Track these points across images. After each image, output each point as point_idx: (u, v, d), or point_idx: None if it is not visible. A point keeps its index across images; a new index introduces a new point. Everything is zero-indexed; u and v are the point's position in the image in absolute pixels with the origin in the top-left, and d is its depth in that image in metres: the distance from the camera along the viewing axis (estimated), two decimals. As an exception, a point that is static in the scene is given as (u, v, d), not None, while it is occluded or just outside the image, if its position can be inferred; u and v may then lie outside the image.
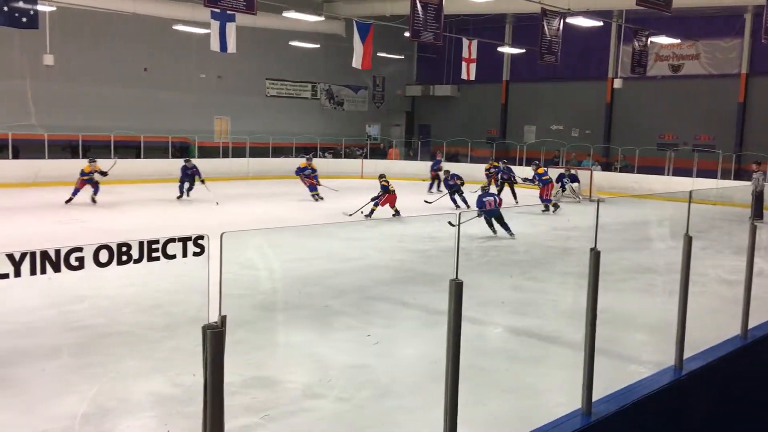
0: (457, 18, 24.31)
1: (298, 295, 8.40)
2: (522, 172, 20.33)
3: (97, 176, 16.24)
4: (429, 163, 24.00)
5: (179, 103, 25.11)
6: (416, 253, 11.20)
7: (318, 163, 20.12)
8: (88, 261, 2.18)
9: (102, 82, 23.16)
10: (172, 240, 2.32)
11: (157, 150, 24.14)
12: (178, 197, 17.72)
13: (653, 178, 22.22)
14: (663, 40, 22.14)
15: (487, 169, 21.16)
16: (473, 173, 21.91)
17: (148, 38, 23.95)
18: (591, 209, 4.09)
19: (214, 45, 17.87)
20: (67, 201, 15.88)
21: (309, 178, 17.92)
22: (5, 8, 15.29)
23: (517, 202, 18.85)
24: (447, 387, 3.20)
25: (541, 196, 17.41)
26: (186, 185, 17.91)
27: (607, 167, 25.28)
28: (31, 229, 12.67)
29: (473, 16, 25.19)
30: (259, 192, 19.75)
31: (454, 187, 17.31)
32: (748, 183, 17.17)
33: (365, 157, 27.64)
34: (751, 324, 5.65)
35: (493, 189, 18.54)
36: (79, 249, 2.15)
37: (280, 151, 26.60)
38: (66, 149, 22.30)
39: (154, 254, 2.30)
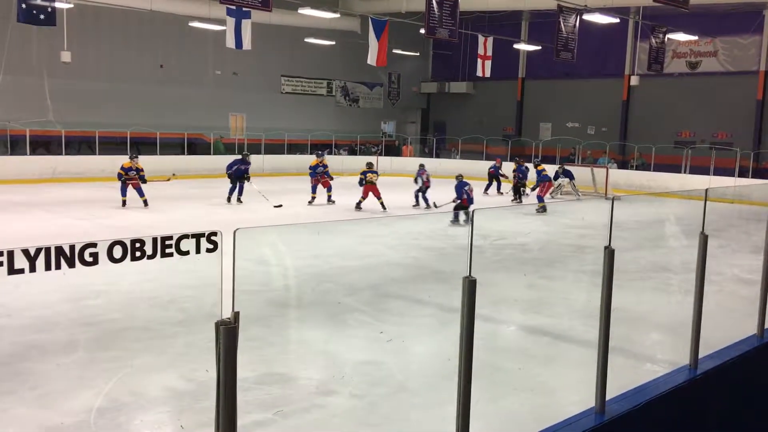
0: (473, 15, 24.21)
1: (311, 291, 8.42)
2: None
3: (132, 174, 15.31)
4: (446, 160, 23.91)
5: (195, 100, 25.24)
6: (431, 250, 11.19)
7: (333, 159, 20.16)
8: (102, 257, 2.20)
9: (119, 78, 23.34)
10: (186, 236, 2.33)
11: (173, 146, 24.33)
12: (237, 198, 16.73)
13: (669, 176, 22.04)
14: (680, 36, 21.95)
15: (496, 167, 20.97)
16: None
17: (165, 35, 24.11)
18: (606, 207, 4.06)
19: (230, 42, 17.95)
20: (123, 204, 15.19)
21: (322, 176, 17.49)
22: (24, 5, 15.45)
23: (521, 201, 18.82)
24: (460, 384, 3.20)
25: (538, 195, 17.31)
26: (237, 186, 16.65)
27: (623, 165, 25.14)
28: (48, 225, 12.79)
29: (489, 13, 25.09)
30: (274, 189, 19.80)
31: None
32: (766, 181, 16.98)
33: (380, 154, 27.65)
34: (768, 324, 5.59)
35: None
36: (93, 245, 2.17)
37: (295, 148, 26.70)
38: (81, 145, 22.51)
39: (168, 250, 2.31)
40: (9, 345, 6.10)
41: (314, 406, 5.03)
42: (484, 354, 5.67)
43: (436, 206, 16.38)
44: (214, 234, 2.38)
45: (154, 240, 2.29)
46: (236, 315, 2.37)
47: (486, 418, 4.67)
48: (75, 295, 7.40)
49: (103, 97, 22.91)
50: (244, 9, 16.23)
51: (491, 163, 21.49)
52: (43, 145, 21.84)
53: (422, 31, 15.59)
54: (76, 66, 20.74)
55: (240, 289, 2.41)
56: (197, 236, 2.35)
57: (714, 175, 20.96)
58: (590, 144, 26.09)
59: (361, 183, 15.96)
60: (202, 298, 7.13)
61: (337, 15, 22.71)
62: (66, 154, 21.22)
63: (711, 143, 24.45)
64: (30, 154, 20.83)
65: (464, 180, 14.88)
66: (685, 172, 22.32)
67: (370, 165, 16.41)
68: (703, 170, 21.55)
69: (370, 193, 15.87)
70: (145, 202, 15.23)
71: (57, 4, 16.40)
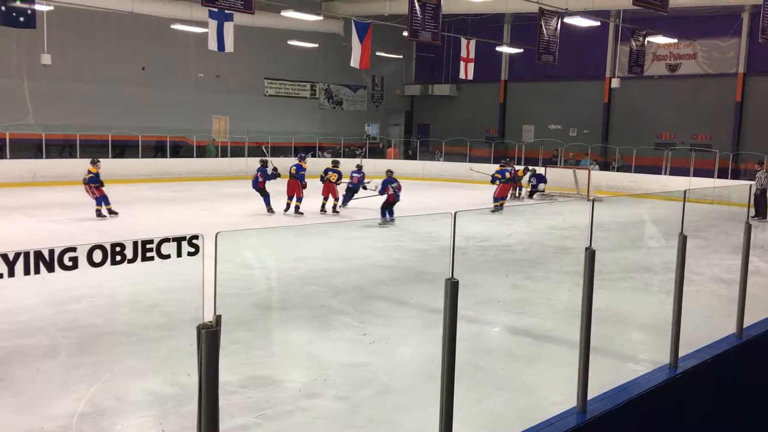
0: (456, 17, 24.32)
1: (295, 294, 8.41)
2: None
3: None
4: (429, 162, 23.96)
5: (177, 103, 25.10)
6: (415, 252, 11.21)
7: (317, 162, 20.09)
8: (82, 261, 2.19)
9: (100, 81, 23.15)
10: (167, 240, 2.33)
11: (155, 149, 24.19)
12: (267, 210, 15.44)
13: (651, 178, 22.26)
14: (660, 39, 22.17)
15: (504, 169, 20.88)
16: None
17: (146, 37, 23.95)
18: (588, 208, 4.10)
19: (212, 44, 17.88)
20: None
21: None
22: (3, 8, 15.28)
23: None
24: (443, 385, 3.22)
25: (497, 194, 17.54)
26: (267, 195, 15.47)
27: (605, 166, 25.33)
28: (27, 229, 12.67)
29: (471, 16, 25.21)
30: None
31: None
32: (746, 182, 17.20)
33: (364, 157, 27.64)
34: (746, 323, 5.67)
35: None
36: (73, 249, 2.16)
37: (279, 151, 26.62)
38: (65, 149, 22.30)
39: (149, 254, 2.31)
40: (-11, 350, 6.04)
41: (298, 409, 5.03)
42: (468, 355, 5.70)
43: (336, 211, 15.67)
44: (196, 237, 2.38)
45: (135, 244, 2.28)
46: (218, 318, 2.37)
47: (469, 418, 4.69)
48: (57, 299, 7.33)
49: (84, 99, 22.70)
50: (226, 11, 16.17)
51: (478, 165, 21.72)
52: (23, 148, 21.59)
53: (405, 33, 15.62)
54: (57, 68, 20.54)
55: (223, 293, 2.41)
56: (178, 240, 2.35)
57: (694, 176, 21.20)
58: (573, 146, 26.26)
59: (322, 181, 15.46)
60: (186, 302, 7.10)
61: (320, 17, 22.70)
62: (46, 157, 21.00)
63: (691, 145, 24.72)
64: (9, 158, 20.59)
65: (393, 177, 14.67)
66: (665, 174, 22.55)
67: (335, 163, 15.91)
68: (683, 171, 21.79)
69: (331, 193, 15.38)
70: (111, 212, 14.16)
71: (37, 7, 16.23)
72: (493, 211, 16.52)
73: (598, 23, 19.92)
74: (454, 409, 3.27)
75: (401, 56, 30.96)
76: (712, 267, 10.14)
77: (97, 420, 4.73)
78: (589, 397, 3.97)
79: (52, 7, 18.65)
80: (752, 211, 15.38)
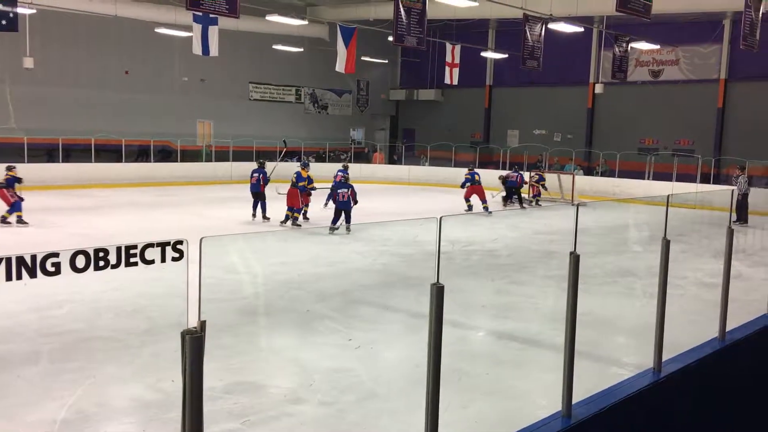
0: (441, 23, 24.38)
1: (280, 299, 8.38)
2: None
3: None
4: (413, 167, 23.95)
5: (161, 107, 24.96)
6: (400, 256, 11.21)
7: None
8: (65, 266, 2.17)
9: (83, 85, 22.99)
10: (151, 245, 2.31)
11: (139, 154, 24.03)
12: (262, 217, 14.75)
13: (634, 182, 22.43)
14: (643, 45, 22.36)
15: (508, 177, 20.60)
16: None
17: (130, 41, 23.81)
18: (573, 213, 4.13)
19: (197, 48, 17.80)
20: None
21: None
22: (-16, 11, 15.13)
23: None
24: (428, 390, 3.22)
25: (466, 195, 17.68)
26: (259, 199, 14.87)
27: (589, 171, 25.49)
28: (8, 233, 12.52)
29: (456, 21, 25.29)
30: (242, 196, 19.65)
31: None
32: (727, 187, 17.37)
33: (349, 161, 27.62)
34: (729, 326, 5.72)
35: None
36: (56, 254, 2.14)
37: (264, 155, 26.50)
38: (45, 153, 22.09)
39: (132, 259, 2.29)
40: (-31, 357, 5.96)
41: (283, 415, 5.00)
42: (453, 359, 5.71)
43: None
44: (180, 242, 2.36)
45: (119, 249, 2.26)
46: (202, 324, 2.35)
47: (455, 423, 4.69)
48: (38, 304, 7.26)
49: (67, 103, 22.53)
50: (210, 15, 16.10)
51: (464, 170, 21.49)
52: (5, 152, 21.35)
53: (390, 38, 15.62)
54: (40, 72, 20.38)
55: (208, 298, 2.39)
56: (162, 245, 2.33)
57: (676, 181, 21.39)
58: (557, 151, 26.42)
59: (293, 187, 14.32)
60: (169, 307, 7.05)
61: (305, 22, 22.68)
62: (28, 161, 20.78)
63: (673, 150, 24.94)
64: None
65: (345, 181, 14.04)
66: (648, 179, 22.73)
67: (305, 166, 14.92)
68: (666, 176, 21.98)
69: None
70: (20, 220, 13.50)
71: (19, 10, 16.08)
72: (467, 211, 16.84)
73: (582, 29, 20.06)
74: (440, 413, 3.27)
75: (386, 61, 31.00)
76: (695, 271, 10.22)
77: (79, 427, 4.68)
78: (574, 401, 3.98)
79: (35, 11, 18.48)
80: (734, 216, 15.54)
